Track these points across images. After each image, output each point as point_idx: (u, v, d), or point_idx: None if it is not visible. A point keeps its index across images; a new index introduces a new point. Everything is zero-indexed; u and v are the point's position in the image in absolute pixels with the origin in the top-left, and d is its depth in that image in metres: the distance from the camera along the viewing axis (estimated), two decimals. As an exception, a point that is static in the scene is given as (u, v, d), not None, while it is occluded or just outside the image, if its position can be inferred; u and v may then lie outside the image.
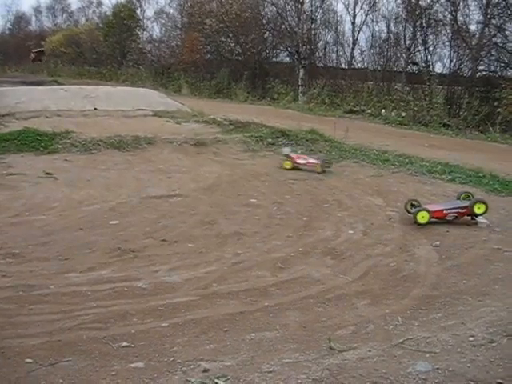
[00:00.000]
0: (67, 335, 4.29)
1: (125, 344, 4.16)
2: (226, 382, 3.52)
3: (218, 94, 28.47)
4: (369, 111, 23.45)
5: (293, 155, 11.21)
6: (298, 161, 11.01)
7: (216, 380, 3.52)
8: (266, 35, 30.78)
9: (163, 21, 33.62)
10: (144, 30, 34.68)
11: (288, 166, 10.86)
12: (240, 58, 30.74)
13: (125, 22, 33.74)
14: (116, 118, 15.00)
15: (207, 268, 5.96)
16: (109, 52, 34.99)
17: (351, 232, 7.41)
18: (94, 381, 3.62)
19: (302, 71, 28.47)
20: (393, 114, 22.68)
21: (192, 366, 3.82)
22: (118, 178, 10.16)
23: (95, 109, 15.84)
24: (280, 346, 4.20)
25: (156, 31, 34.60)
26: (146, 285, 5.46)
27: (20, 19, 41.66)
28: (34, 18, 41.68)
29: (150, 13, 34.92)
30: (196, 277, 5.72)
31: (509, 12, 23.93)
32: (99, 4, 38.90)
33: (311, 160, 11.05)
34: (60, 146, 12.01)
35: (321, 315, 4.84)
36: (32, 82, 25.66)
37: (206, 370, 3.73)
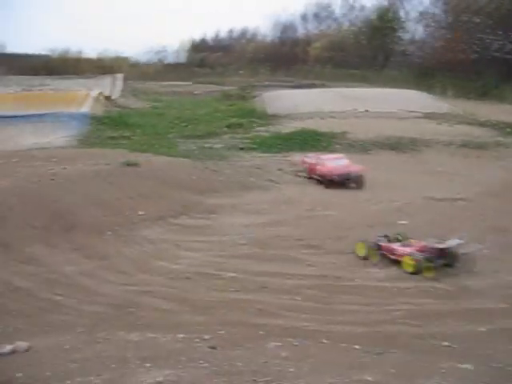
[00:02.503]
0: (385, 327, 4.46)
1: (445, 343, 4.17)
2: None
3: (483, 95, 26.85)
4: None
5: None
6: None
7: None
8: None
9: (426, 21, 32.77)
10: (407, 31, 34.27)
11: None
12: (510, 57, 28.61)
13: (388, 24, 33.81)
14: (386, 120, 14.97)
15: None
16: (371, 55, 35.31)
17: None
18: (422, 375, 3.58)
19: None
20: None
21: None
22: (397, 178, 10.13)
23: (366, 110, 16.07)
24: None
25: (419, 32, 33.70)
26: (448, 287, 5.47)
27: (287, 28, 44.16)
28: (299, 26, 43.83)
29: (413, 14, 33.89)
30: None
31: None
32: (362, 8, 39.40)
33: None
34: (338, 146, 12.42)
35: None
36: (302, 85, 27.02)
37: None
